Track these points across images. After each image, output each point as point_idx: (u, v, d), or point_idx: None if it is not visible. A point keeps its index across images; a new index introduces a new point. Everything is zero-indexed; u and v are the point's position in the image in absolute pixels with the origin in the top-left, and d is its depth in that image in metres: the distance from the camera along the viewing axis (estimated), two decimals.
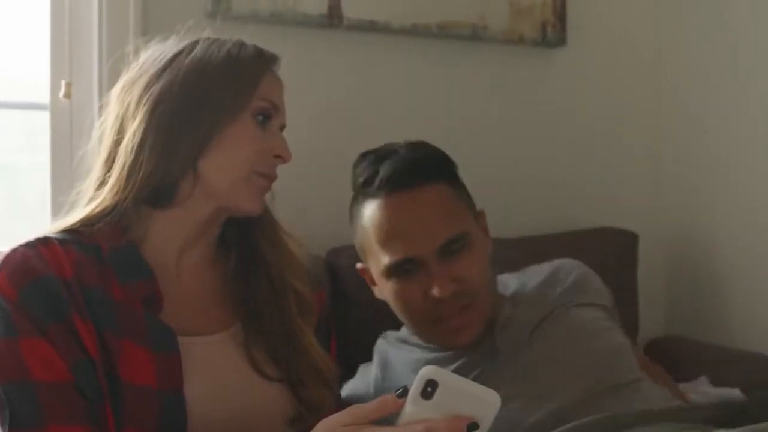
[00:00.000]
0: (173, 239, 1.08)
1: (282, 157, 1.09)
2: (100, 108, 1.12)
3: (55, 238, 1.01)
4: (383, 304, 1.50)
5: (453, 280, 1.15)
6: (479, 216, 1.27)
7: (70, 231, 1.04)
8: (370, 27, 1.68)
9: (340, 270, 1.54)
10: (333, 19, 1.64)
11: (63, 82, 1.48)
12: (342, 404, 1.12)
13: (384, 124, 1.72)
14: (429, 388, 0.79)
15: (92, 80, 1.50)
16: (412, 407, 0.80)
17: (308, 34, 1.64)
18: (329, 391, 1.12)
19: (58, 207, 1.45)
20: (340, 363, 1.19)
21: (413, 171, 1.19)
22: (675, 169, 1.99)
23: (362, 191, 1.22)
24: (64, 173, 1.49)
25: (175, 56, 1.06)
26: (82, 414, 0.93)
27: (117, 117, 1.06)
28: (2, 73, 1.57)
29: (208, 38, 1.10)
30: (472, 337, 1.18)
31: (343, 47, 1.69)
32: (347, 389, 1.31)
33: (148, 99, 1.03)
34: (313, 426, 0.85)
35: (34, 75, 1.55)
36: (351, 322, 1.52)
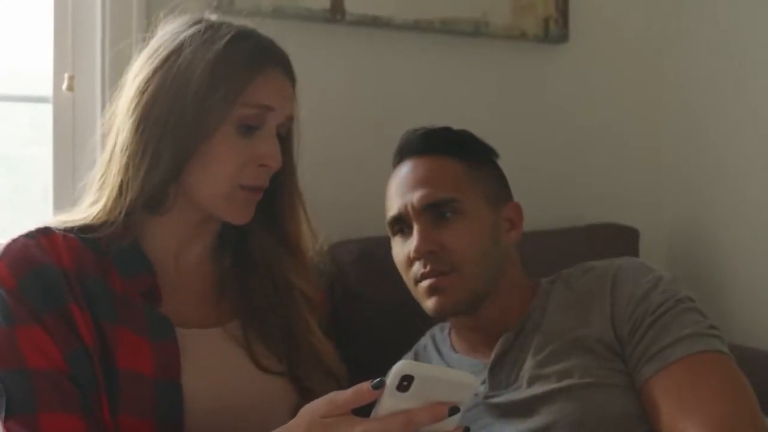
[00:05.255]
0: (169, 240, 1.09)
1: (268, 166, 1.08)
2: (111, 96, 1.13)
3: (56, 228, 1.02)
4: (386, 300, 1.51)
5: (433, 244, 1.14)
6: (508, 206, 1.25)
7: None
8: (373, 22, 1.68)
9: (343, 265, 1.54)
10: (336, 14, 1.64)
11: (66, 75, 1.48)
12: None
13: (386, 120, 1.72)
14: (405, 382, 0.79)
15: (95, 73, 1.50)
16: (390, 400, 0.80)
17: (311, 29, 1.64)
18: (335, 383, 1.13)
19: (60, 199, 1.47)
20: (342, 359, 1.19)
21: (423, 141, 1.22)
22: (676, 165, 2.00)
23: (392, 167, 1.25)
24: (66, 166, 1.50)
25: (169, 55, 1.04)
26: (75, 402, 0.94)
27: (113, 114, 1.08)
28: (7, 65, 1.58)
29: (210, 26, 1.07)
30: (444, 304, 1.15)
31: (345, 42, 1.69)
32: None
33: (136, 108, 1.03)
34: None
35: (38, 68, 1.56)
36: (353, 317, 1.52)
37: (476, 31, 1.77)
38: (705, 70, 1.91)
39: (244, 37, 1.07)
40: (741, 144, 1.83)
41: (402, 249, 1.19)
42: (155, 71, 1.04)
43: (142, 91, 1.03)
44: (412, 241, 1.15)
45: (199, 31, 1.06)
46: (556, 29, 1.85)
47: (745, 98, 1.82)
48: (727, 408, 1.02)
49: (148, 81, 1.04)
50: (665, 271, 1.18)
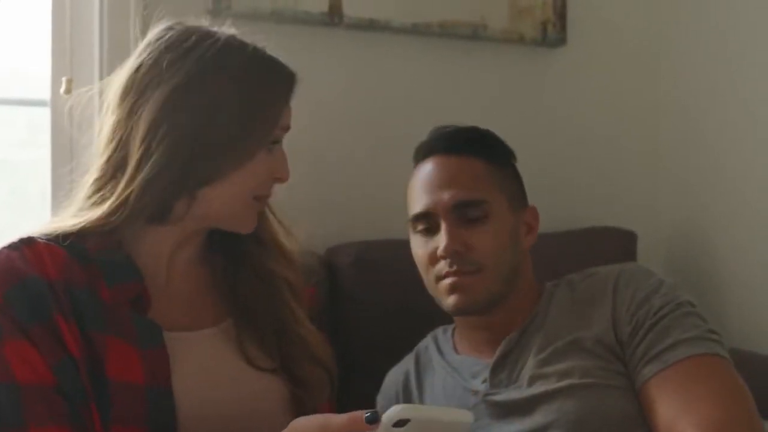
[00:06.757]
0: (164, 248, 1.08)
1: (281, 179, 1.10)
2: (100, 95, 1.11)
3: (40, 239, 1.00)
4: (382, 303, 1.51)
5: (461, 244, 1.15)
6: (527, 210, 1.27)
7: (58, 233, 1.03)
8: (371, 26, 1.68)
9: (339, 268, 1.55)
10: (333, 17, 1.65)
11: (64, 79, 1.48)
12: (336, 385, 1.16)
13: (384, 123, 1.73)
14: (401, 423, 0.80)
15: (93, 77, 1.50)
16: None
17: (309, 32, 1.64)
18: (323, 369, 1.14)
19: (58, 203, 1.46)
20: (338, 361, 1.20)
21: (452, 140, 1.23)
22: (673, 168, 2.00)
23: (414, 163, 1.26)
24: (64, 169, 1.49)
25: (198, 73, 1.02)
26: (64, 415, 0.93)
27: (123, 121, 1.03)
28: (5, 68, 1.58)
29: (235, 44, 1.05)
30: (464, 302, 1.17)
31: (343, 46, 1.70)
32: (389, 374, 1.35)
33: (172, 128, 1.00)
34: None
35: (36, 71, 1.56)
36: (349, 320, 1.53)
37: (474, 34, 1.78)
38: (702, 73, 1.92)
39: (274, 61, 1.08)
40: (739, 147, 1.83)
41: (425, 246, 1.20)
42: (182, 85, 1.01)
43: (171, 108, 1.00)
44: (439, 240, 1.17)
45: (222, 48, 1.04)
46: (554, 33, 1.85)
47: (743, 101, 1.82)
48: (726, 411, 1.03)
49: (176, 98, 1.01)
50: (663, 274, 1.19)
